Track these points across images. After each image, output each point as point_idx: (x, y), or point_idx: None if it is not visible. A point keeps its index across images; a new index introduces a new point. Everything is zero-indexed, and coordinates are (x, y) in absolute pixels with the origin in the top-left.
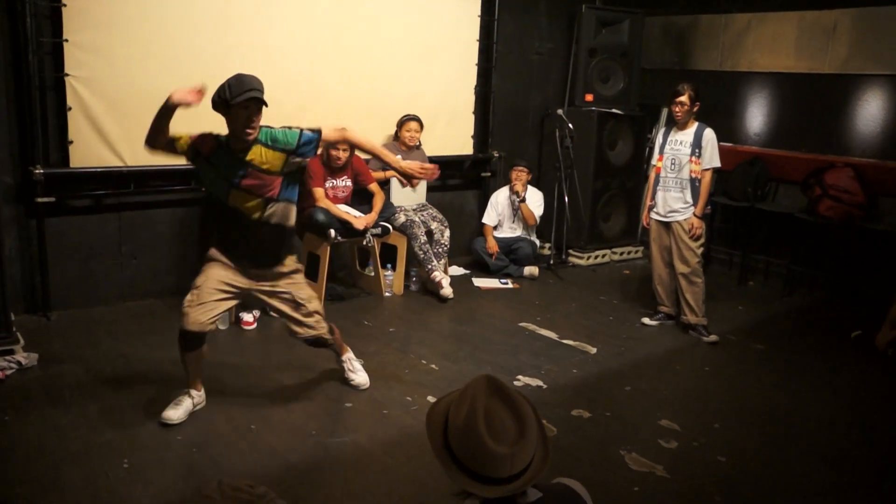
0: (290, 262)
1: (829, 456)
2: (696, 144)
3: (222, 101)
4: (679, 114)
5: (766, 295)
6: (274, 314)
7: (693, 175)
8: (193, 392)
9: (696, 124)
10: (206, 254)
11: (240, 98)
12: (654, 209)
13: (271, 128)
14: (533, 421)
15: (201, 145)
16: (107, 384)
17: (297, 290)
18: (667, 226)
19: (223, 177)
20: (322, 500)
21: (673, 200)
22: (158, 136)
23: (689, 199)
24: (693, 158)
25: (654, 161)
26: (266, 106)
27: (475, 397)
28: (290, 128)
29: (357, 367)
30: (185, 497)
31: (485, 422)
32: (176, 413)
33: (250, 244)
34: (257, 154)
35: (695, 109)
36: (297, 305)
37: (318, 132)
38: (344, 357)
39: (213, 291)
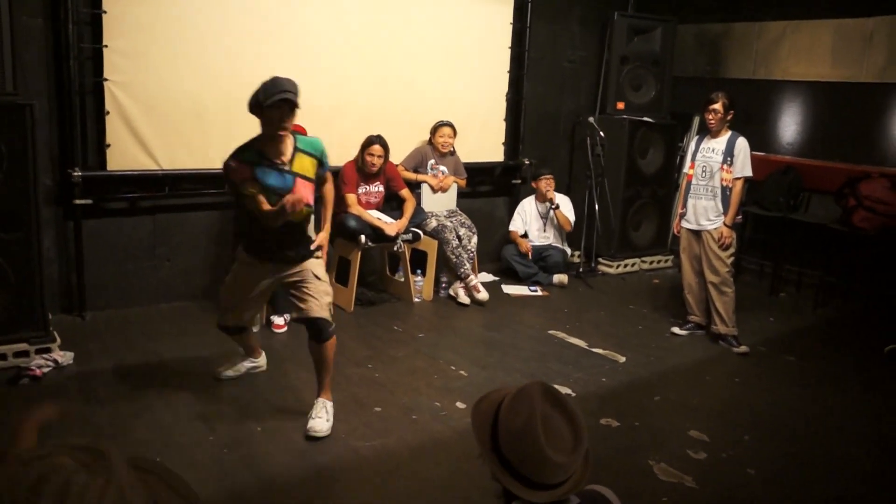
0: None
1: (861, 471)
2: (729, 153)
3: (257, 104)
4: (712, 122)
5: (798, 306)
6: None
7: (724, 183)
8: (252, 359)
9: (729, 133)
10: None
11: (273, 99)
12: (685, 217)
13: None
14: (585, 430)
15: (239, 176)
16: (140, 384)
17: (315, 267)
18: (697, 234)
19: (272, 191)
20: (351, 503)
21: (703, 209)
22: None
23: (719, 207)
24: (725, 167)
25: (685, 169)
26: (298, 108)
27: (532, 404)
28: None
29: (322, 414)
30: (217, 498)
31: (543, 429)
32: (228, 371)
33: (283, 246)
34: (299, 162)
35: (728, 118)
36: (309, 281)
37: (327, 168)
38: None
39: (243, 296)
